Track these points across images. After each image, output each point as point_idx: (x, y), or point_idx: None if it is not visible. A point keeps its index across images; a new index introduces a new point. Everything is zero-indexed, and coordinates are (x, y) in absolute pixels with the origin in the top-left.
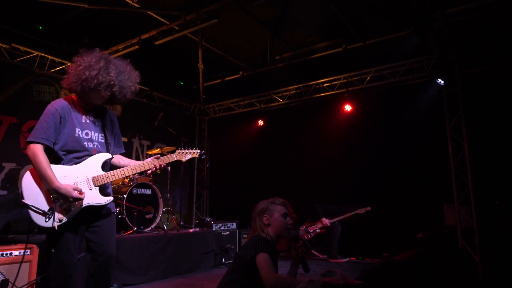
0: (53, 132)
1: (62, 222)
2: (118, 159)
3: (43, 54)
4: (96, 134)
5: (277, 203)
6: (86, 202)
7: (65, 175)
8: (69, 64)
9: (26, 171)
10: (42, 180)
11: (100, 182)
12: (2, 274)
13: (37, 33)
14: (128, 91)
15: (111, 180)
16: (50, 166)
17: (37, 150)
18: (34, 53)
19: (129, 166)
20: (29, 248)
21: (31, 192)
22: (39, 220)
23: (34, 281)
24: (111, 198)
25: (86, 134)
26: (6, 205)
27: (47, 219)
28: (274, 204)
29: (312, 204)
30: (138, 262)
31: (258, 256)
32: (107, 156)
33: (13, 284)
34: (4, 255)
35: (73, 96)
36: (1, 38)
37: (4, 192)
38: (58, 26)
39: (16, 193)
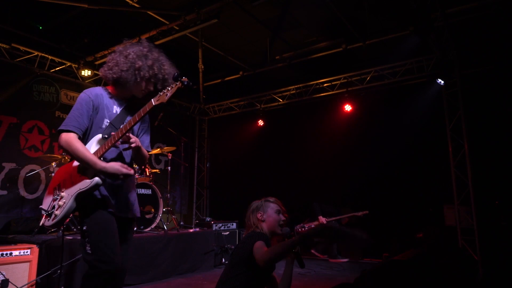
0: (86, 121)
1: (56, 220)
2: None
3: (43, 54)
4: (122, 125)
5: (271, 201)
6: (75, 190)
7: (66, 170)
8: (69, 64)
9: (26, 171)
10: (83, 165)
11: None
12: (2, 274)
13: (37, 33)
14: (164, 76)
15: (99, 153)
16: (88, 150)
17: (71, 138)
18: (34, 53)
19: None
20: (29, 248)
21: (45, 197)
22: (46, 221)
23: (34, 281)
24: (95, 179)
25: (109, 123)
26: (6, 205)
27: (49, 218)
28: (267, 201)
29: (311, 204)
30: (138, 262)
31: (254, 245)
32: (97, 137)
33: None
34: (4, 255)
35: (108, 87)
36: (1, 38)
37: (4, 192)
38: (58, 26)
39: (16, 193)
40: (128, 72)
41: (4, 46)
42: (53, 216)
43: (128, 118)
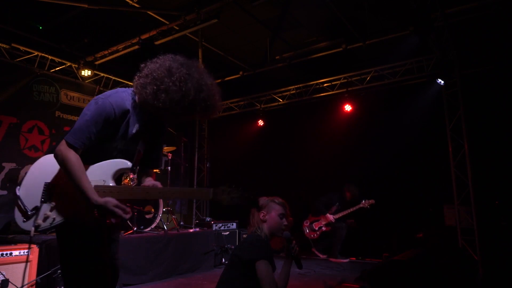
0: (96, 136)
1: (39, 229)
2: (144, 174)
3: (43, 54)
4: (135, 146)
5: (276, 202)
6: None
7: None
8: (69, 64)
9: (26, 171)
10: (75, 190)
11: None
12: (2, 274)
13: (37, 33)
14: (215, 110)
15: (116, 197)
16: (83, 174)
17: (72, 155)
18: (34, 53)
19: (144, 186)
20: (29, 248)
21: (30, 182)
22: (18, 218)
23: (34, 281)
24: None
25: (125, 144)
26: (6, 205)
27: (24, 220)
28: (273, 202)
29: (313, 203)
30: (138, 262)
31: (258, 263)
32: (124, 164)
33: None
34: (4, 255)
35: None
36: (1, 38)
37: (4, 192)
38: (58, 26)
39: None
40: (179, 105)
41: (4, 46)
42: (33, 222)
43: (147, 135)
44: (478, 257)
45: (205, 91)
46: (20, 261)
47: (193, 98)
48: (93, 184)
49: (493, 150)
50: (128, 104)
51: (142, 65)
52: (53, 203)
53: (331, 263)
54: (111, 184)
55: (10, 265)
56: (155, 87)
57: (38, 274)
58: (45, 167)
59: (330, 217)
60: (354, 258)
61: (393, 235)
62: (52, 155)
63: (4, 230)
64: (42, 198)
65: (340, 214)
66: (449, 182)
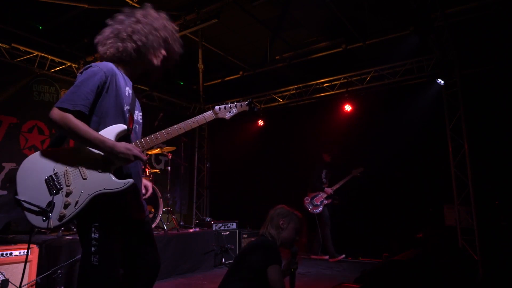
0: (94, 99)
1: (64, 220)
2: None
3: (43, 54)
4: (137, 112)
5: (297, 216)
6: (96, 189)
7: None
8: (69, 64)
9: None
10: (87, 146)
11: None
12: (2, 274)
13: (37, 33)
14: (178, 39)
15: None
16: (90, 129)
17: (71, 117)
18: (34, 53)
19: (157, 133)
20: (29, 248)
21: (27, 185)
22: (35, 220)
23: (34, 281)
24: (129, 181)
25: (127, 110)
26: (6, 205)
27: (45, 218)
28: (295, 215)
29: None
30: None
31: (271, 268)
32: (121, 127)
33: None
34: (4, 255)
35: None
36: (1, 38)
37: (4, 192)
38: (58, 26)
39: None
40: (153, 34)
41: (4, 46)
42: (56, 215)
43: (137, 105)
44: (478, 257)
45: (162, 19)
46: (20, 261)
47: (158, 26)
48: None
49: (493, 150)
50: (111, 65)
51: (96, 40)
52: (68, 189)
53: (331, 263)
54: None
55: (10, 265)
56: (123, 36)
57: (38, 274)
58: (35, 165)
59: (329, 190)
60: (353, 258)
61: (393, 235)
62: (35, 154)
63: (4, 230)
64: (51, 191)
65: (336, 186)
66: (449, 182)
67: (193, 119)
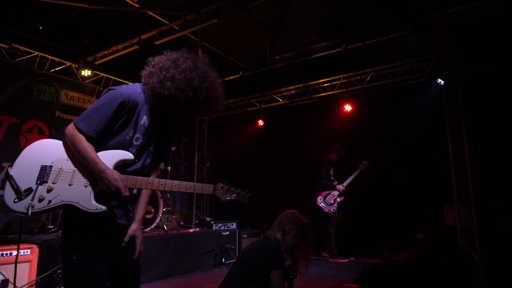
0: (105, 125)
1: (29, 211)
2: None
3: (43, 54)
4: (149, 141)
5: (305, 225)
6: (70, 199)
7: (67, 158)
8: (69, 64)
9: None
10: (83, 163)
11: None
12: (2, 274)
13: (37, 33)
14: (218, 103)
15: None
16: (91, 149)
17: (81, 138)
18: (34, 53)
19: (151, 178)
20: (29, 248)
21: (24, 162)
22: (8, 198)
23: (34, 281)
24: (102, 208)
25: (137, 139)
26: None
27: (16, 200)
28: (303, 223)
29: (316, 181)
30: None
31: (274, 272)
32: (126, 156)
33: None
34: (4, 255)
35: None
36: (1, 38)
37: None
38: (58, 26)
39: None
40: (183, 93)
41: (4, 46)
42: (25, 203)
43: (156, 135)
44: (478, 257)
45: (208, 81)
46: (20, 261)
47: (197, 86)
48: None
49: (493, 150)
50: (138, 94)
51: (150, 59)
52: (50, 185)
53: (331, 263)
54: None
55: (10, 265)
56: (161, 76)
57: (38, 274)
58: (43, 150)
59: (340, 187)
60: (354, 258)
61: (393, 235)
62: (50, 140)
63: (4, 230)
64: (37, 180)
65: (347, 182)
66: (449, 182)
67: (191, 183)
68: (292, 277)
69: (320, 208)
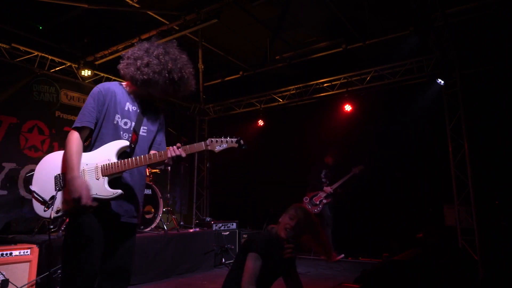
0: (97, 114)
1: (59, 213)
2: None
3: (43, 54)
4: (143, 127)
5: (295, 207)
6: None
7: None
8: (69, 64)
9: (26, 171)
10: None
11: (109, 171)
12: (2, 274)
13: (37, 33)
14: (191, 82)
15: (122, 169)
16: (79, 155)
17: (73, 137)
18: (34, 53)
19: (146, 155)
20: (29, 248)
21: (40, 178)
22: (39, 209)
23: (34, 281)
24: (118, 191)
25: (125, 123)
26: (6, 205)
27: (46, 209)
28: (294, 207)
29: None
30: (138, 262)
31: (249, 254)
32: (124, 143)
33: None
34: (4, 255)
35: (125, 83)
36: (1, 38)
37: (4, 192)
38: (58, 26)
39: (16, 193)
40: (161, 75)
41: (4, 46)
42: (54, 208)
43: (145, 120)
44: (478, 257)
45: (180, 63)
46: (20, 261)
47: (171, 68)
48: (100, 163)
49: (493, 150)
50: (115, 85)
51: (124, 53)
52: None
53: (330, 263)
54: (115, 161)
55: (10, 265)
56: (138, 64)
57: (38, 274)
58: (51, 163)
59: (328, 188)
60: (352, 258)
61: (393, 235)
62: (54, 153)
63: (4, 230)
64: (56, 187)
65: (336, 185)
66: (449, 182)
67: (186, 146)
68: (283, 257)
69: (304, 202)
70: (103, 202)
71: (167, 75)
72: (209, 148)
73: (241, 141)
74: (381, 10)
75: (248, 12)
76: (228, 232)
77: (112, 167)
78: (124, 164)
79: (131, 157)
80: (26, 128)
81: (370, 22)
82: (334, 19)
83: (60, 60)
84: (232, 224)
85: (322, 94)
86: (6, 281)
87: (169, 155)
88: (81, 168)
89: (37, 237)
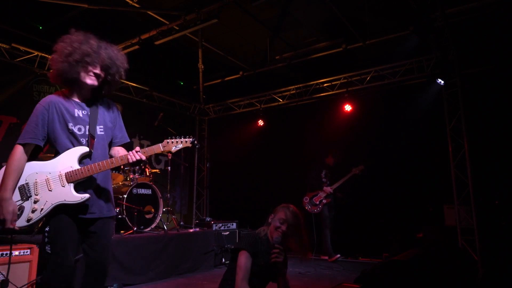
0: (41, 130)
1: (30, 222)
2: (118, 150)
3: (43, 54)
4: (98, 127)
5: (283, 207)
6: (58, 200)
7: (37, 171)
8: None
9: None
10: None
11: (74, 178)
12: (2, 274)
13: (37, 33)
14: (120, 67)
15: (85, 175)
16: (16, 173)
17: (16, 151)
18: (34, 53)
19: (108, 160)
20: (29, 248)
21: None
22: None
23: (34, 281)
24: (86, 196)
25: (79, 129)
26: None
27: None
28: (282, 208)
29: (306, 181)
30: (138, 262)
31: (240, 253)
32: (83, 149)
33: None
34: (4, 255)
35: (65, 90)
36: (1, 38)
37: None
38: (58, 26)
39: None
40: (63, 63)
41: (4, 46)
42: (26, 217)
43: (99, 119)
44: (478, 257)
45: (103, 47)
46: (20, 261)
47: (98, 46)
48: (64, 171)
49: (493, 150)
50: (54, 97)
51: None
52: (36, 197)
53: (330, 263)
54: (77, 168)
55: (10, 265)
56: (64, 56)
57: (38, 274)
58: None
59: (328, 188)
60: (351, 258)
61: (393, 235)
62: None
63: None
64: (22, 198)
65: (336, 185)
66: (449, 182)
67: (145, 149)
68: (271, 262)
69: (305, 207)
70: (73, 206)
71: (69, 59)
72: (166, 149)
73: (195, 142)
74: (381, 10)
75: (248, 12)
76: (228, 232)
77: (76, 174)
78: (88, 170)
79: (92, 159)
80: None
81: (370, 22)
82: (334, 19)
83: None
84: (232, 224)
85: (322, 94)
86: (6, 281)
87: (130, 160)
88: (45, 177)
89: (37, 237)
